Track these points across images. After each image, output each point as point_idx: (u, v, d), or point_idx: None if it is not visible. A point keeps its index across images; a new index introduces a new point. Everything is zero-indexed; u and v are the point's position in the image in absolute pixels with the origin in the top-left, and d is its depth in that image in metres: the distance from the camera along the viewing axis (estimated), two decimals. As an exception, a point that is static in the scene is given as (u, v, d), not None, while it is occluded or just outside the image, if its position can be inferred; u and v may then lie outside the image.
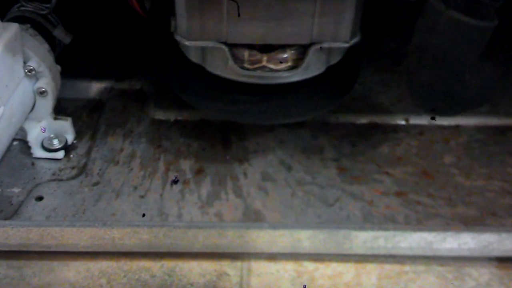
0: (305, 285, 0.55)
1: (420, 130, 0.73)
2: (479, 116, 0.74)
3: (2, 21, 0.66)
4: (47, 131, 0.67)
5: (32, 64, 0.63)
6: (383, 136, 0.72)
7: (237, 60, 0.60)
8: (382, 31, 0.86)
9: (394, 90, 0.78)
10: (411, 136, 0.72)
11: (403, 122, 0.74)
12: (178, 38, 0.61)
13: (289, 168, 0.67)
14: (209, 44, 0.60)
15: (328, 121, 0.73)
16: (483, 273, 0.58)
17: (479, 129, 0.73)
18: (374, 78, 0.80)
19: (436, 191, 0.64)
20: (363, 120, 0.74)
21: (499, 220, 0.61)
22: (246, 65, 0.60)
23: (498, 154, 0.69)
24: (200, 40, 0.60)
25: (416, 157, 0.69)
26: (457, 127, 0.73)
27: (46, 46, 0.67)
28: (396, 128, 0.73)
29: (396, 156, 0.69)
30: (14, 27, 0.60)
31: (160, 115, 0.74)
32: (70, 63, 0.71)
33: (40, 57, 0.64)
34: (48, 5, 0.70)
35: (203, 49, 0.62)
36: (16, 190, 0.63)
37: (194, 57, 0.63)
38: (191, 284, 0.56)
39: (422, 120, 0.73)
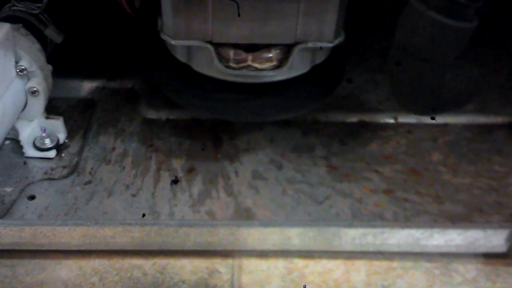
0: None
1: (409, 128, 0.73)
2: (467, 115, 0.75)
3: (-7, 21, 0.67)
4: (38, 130, 0.67)
5: (24, 63, 0.63)
6: (372, 134, 0.73)
7: (223, 59, 0.61)
8: (371, 29, 0.87)
9: (383, 89, 0.78)
10: (399, 134, 0.73)
11: (392, 121, 0.74)
12: (164, 37, 0.62)
13: (279, 167, 0.67)
14: (195, 43, 0.61)
15: (318, 120, 0.74)
16: (470, 269, 0.59)
17: (466, 127, 0.74)
18: (363, 77, 0.80)
19: (424, 189, 0.65)
20: (353, 118, 0.75)
21: (486, 217, 0.62)
22: (231, 64, 0.61)
23: (485, 152, 0.70)
24: (186, 39, 0.61)
25: (404, 155, 0.70)
26: (445, 125, 0.74)
27: (37, 45, 0.67)
28: (385, 127, 0.74)
29: (385, 154, 0.70)
30: (5, 27, 0.60)
31: (151, 114, 0.75)
32: (62, 63, 0.71)
33: (31, 56, 0.64)
34: (39, 5, 0.70)
35: (189, 48, 0.62)
36: (8, 189, 0.63)
37: (181, 56, 0.64)
38: (183, 282, 0.57)
39: (411, 119, 0.74)
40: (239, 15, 0.56)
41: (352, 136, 0.72)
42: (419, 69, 0.55)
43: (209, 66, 0.62)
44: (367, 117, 0.75)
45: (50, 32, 0.71)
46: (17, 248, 0.58)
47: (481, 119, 0.75)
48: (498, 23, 0.86)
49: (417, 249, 0.58)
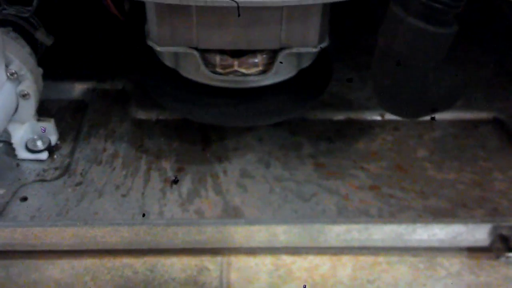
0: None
1: (395, 125, 0.74)
2: (453, 111, 0.76)
3: (-17, 26, 0.67)
4: (30, 132, 0.68)
5: (14, 67, 0.64)
6: (359, 132, 0.74)
7: (209, 64, 0.61)
8: (358, 27, 0.87)
9: (370, 86, 0.79)
10: (386, 132, 0.74)
11: (378, 118, 0.75)
12: (150, 43, 0.62)
13: (267, 165, 0.68)
14: (180, 49, 0.61)
15: (306, 118, 0.75)
16: (454, 263, 0.60)
17: (452, 123, 0.75)
18: (350, 75, 0.81)
19: (409, 185, 0.66)
20: (340, 116, 0.76)
21: (470, 212, 0.62)
22: (218, 70, 0.61)
23: (470, 147, 0.72)
24: (171, 45, 0.61)
25: (390, 151, 0.71)
26: (431, 121, 0.75)
27: (27, 49, 0.68)
28: (371, 124, 0.75)
29: (372, 151, 0.71)
30: (-5, 31, 0.61)
31: (142, 115, 0.76)
32: (53, 65, 0.72)
33: (21, 60, 0.65)
34: (29, 8, 0.71)
35: (176, 54, 0.63)
36: (1, 191, 0.64)
37: (168, 62, 0.64)
38: (173, 279, 0.58)
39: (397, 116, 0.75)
40: (239, 15, 0.56)
41: (339, 134, 0.73)
42: (401, 73, 0.56)
43: (196, 71, 0.62)
44: (354, 115, 0.76)
45: (41, 35, 0.72)
46: (10, 249, 0.59)
47: (467, 115, 0.76)
48: (483, 19, 0.87)
49: (401, 244, 0.60)
